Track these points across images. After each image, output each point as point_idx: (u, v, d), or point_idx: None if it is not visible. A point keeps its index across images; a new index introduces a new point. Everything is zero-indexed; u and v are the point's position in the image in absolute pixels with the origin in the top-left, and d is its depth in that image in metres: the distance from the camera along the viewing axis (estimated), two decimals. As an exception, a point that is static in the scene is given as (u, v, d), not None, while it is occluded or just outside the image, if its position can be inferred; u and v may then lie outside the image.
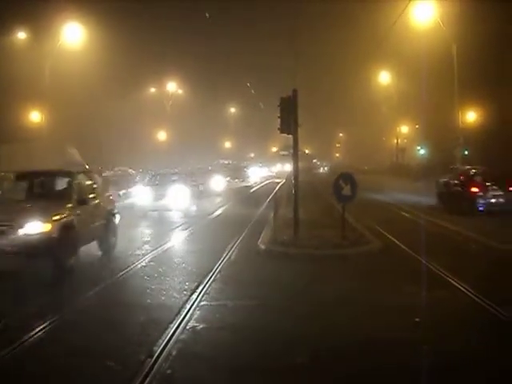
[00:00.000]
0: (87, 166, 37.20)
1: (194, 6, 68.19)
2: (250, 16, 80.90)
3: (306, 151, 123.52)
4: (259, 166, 79.35)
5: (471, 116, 44.02)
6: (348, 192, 14.17)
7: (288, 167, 63.17)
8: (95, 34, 42.25)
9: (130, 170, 44.03)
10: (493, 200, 20.94)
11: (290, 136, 14.77)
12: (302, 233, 14.81)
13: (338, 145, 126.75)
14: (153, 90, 65.87)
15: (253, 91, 68.92)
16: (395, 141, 63.39)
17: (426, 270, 10.78)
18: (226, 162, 69.80)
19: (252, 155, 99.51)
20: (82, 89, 44.95)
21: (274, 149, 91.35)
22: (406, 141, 65.09)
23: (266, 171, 78.96)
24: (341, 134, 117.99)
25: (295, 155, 14.92)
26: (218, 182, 38.81)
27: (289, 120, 14.18)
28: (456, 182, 23.27)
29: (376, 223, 18.02)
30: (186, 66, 64.07)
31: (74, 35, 40.57)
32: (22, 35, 41.42)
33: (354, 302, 8.95)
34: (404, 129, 64.67)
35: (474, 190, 21.32)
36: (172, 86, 67.01)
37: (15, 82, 39.94)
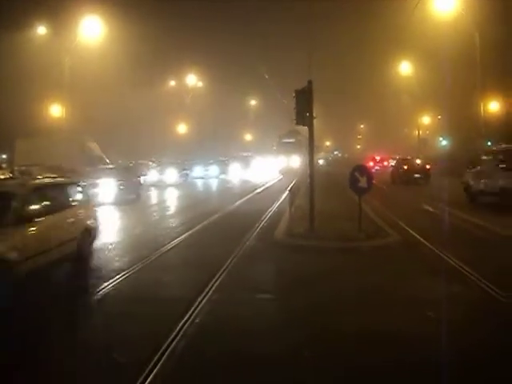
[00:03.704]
0: (107, 160, 37.73)
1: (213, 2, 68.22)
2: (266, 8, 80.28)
3: (327, 143, 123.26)
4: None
5: (494, 106, 43.26)
6: (364, 184, 14.05)
7: (295, 160, 54.45)
8: (115, 28, 42.35)
9: (150, 163, 45.55)
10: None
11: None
12: (318, 225, 14.66)
13: (359, 136, 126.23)
14: (173, 83, 65.89)
15: (267, 76, 66.81)
16: (416, 132, 62.74)
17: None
18: (245, 154, 68.68)
19: (274, 148, 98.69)
20: (102, 83, 45.24)
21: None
22: (428, 132, 64.40)
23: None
24: (362, 126, 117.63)
25: (311, 147, 14.76)
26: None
27: (304, 112, 14.05)
28: None
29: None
30: (206, 59, 64.01)
31: (93, 29, 40.64)
32: (41, 30, 41.67)
33: (367, 294, 8.88)
34: (426, 120, 63.90)
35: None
36: (192, 79, 66.87)
37: (34, 76, 40.32)
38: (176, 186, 37.68)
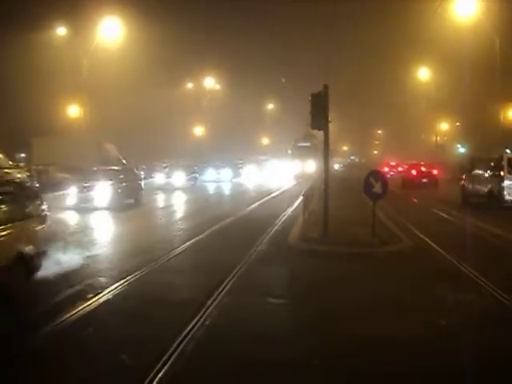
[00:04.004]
0: (124, 161, 37.95)
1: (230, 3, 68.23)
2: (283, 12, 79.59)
3: (344, 148, 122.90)
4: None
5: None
6: (379, 190, 13.94)
7: (311, 165, 53.98)
8: (134, 29, 42.53)
9: (164, 164, 45.65)
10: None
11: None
12: (332, 230, 14.56)
13: (376, 142, 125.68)
14: (190, 85, 65.98)
15: (284, 80, 65.96)
16: (434, 138, 62.26)
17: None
18: (262, 157, 67.99)
19: (289, 152, 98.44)
20: (120, 85, 45.51)
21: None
22: (446, 138, 63.86)
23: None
24: (379, 132, 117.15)
25: (326, 152, 14.67)
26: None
27: (320, 116, 13.98)
28: None
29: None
30: (223, 59, 63.68)
31: (112, 30, 40.89)
32: (61, 31, 42.00)
33: (382, 301, 8.77)
34: (444, 126, 63.35)
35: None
36: (210, 82, 66.84)
37: (54, 77, 40.64)
38: (184, 189, 36.43)
